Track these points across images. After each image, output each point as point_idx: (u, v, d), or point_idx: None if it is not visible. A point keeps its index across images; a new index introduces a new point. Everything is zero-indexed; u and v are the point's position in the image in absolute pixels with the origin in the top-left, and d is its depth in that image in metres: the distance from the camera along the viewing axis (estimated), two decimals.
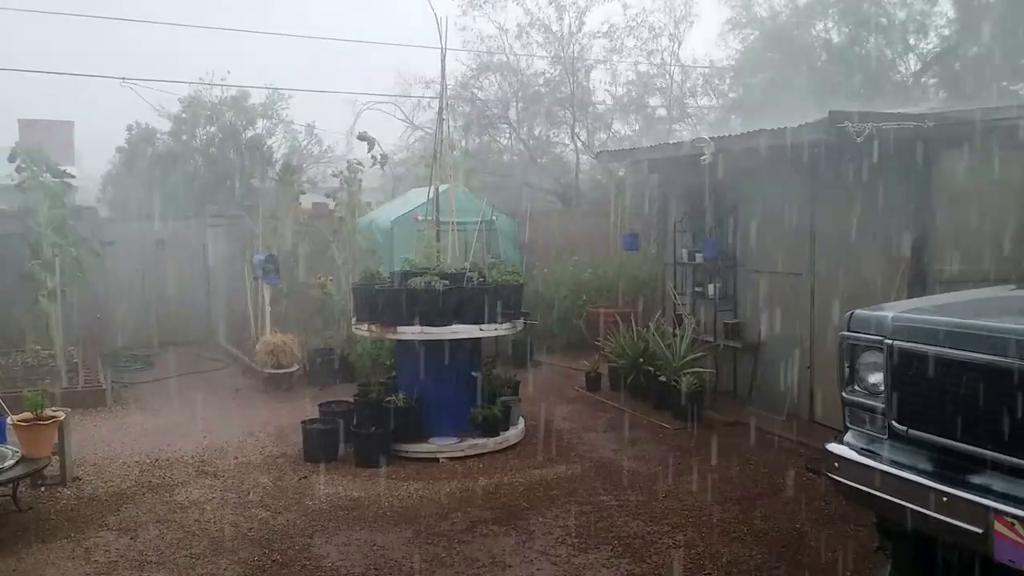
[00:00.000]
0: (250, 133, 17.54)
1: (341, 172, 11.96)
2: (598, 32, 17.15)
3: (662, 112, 17.62)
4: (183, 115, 17.17)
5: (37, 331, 10.50)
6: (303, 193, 12.76)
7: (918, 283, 6.39)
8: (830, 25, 16.40)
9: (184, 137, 17.17)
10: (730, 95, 17.74)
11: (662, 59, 17.19)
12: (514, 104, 17.40)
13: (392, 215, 11.20)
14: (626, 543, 5.03)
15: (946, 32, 15.59)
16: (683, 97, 17.55)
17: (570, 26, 17.08)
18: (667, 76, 17.23)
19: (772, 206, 8.00)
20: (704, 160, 7.90)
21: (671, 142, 9.97)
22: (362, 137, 10.04)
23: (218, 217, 13.61)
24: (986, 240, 6.32)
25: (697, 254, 8.95)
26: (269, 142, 18.08)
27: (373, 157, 12.22)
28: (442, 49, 7.74)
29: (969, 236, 6.34)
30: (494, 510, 5.64)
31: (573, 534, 5.19)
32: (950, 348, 3.39)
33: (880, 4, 15.66)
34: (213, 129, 17.16)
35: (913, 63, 16.23)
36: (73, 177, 10.43)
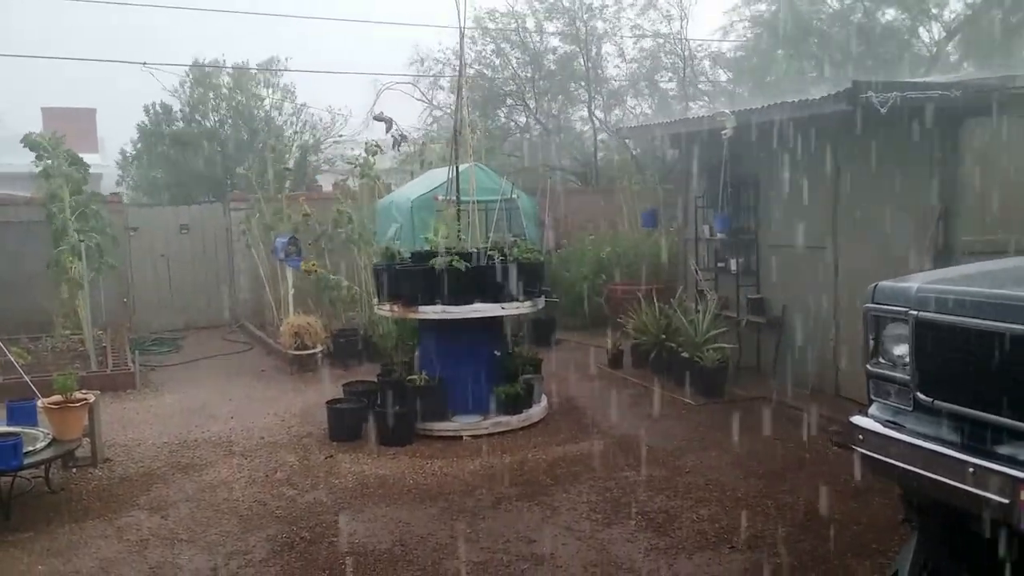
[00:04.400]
0: (260, 113, 17.61)
1: (357, 157, 12.00)
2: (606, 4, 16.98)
3: (677, 88, 17.40)
4: (192, 94, 17.26)
5: (65, 316, 10.68)
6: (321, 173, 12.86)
7: (943, 254, 6.31)
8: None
9: (198, 119, 17.27)
10: (747, 69, 17.49)
11: (671, 31, 16.96)
12: (530, 85, 17.28)
13: (412, 195, 11.21)
14: (650, 518, 5.05)
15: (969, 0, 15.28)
16: (697, 72, 17.33)
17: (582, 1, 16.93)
18: (679, 51, 16.99)
19: (794, 179, 7.92)
20: (725, 134, 7.84)
21: (692, 116, 9.88)
22: (379, 118, 10.04)
23: (240, 200, 13.71)
24: (1013, 210, 6.22)
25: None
26: (280, 121, 18.10)
27: (393, 138, 12.26)
28: (460, 28, 7.71)
29: (996, 206, 6.24)
30: (518, 486, 5.68)
31: (597, 509, 5.22)
32: (976, 318, 3.35)
33: None
34: (224, 107, 17.26)
35: (936, 32, 15.93)
36: (88, 166, 10.53)
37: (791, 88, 15.42)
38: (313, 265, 10.84)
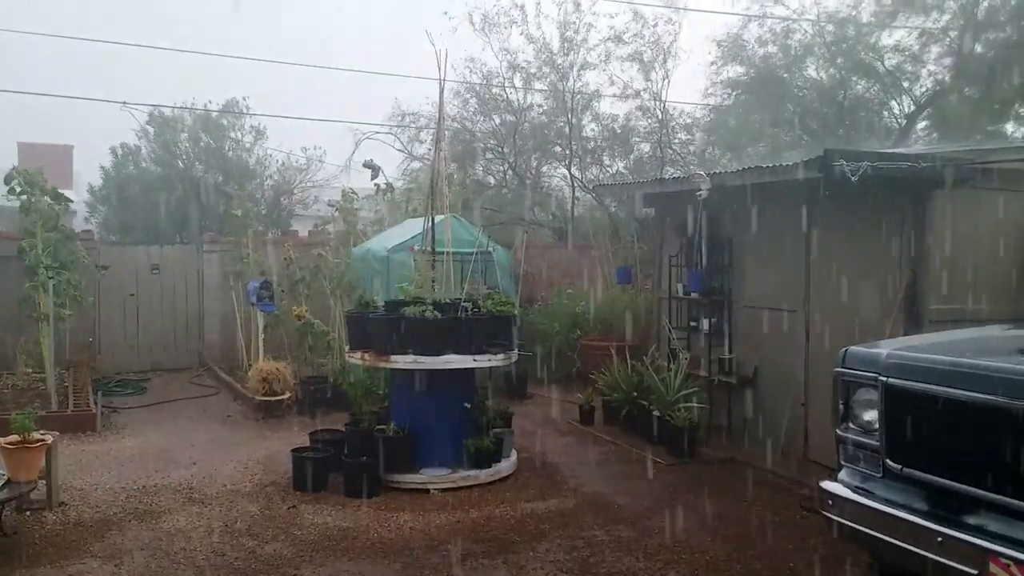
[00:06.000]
0: (231, 155, 17.68)
1: (337, 202, 12.04)
2: (591, 64, 17.24)
3: (652, 150, 17.66)
4: (154, 134, 17.32)
5: (29, 354, 10.46)
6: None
7: (912, 321, 6.40)
8: (820, 68, 16.57)
9: (167, 158, 17.29)
10: (720, 134, 17.84)
11: (652, 94, 17.24)
12: (510, 140, 17.47)
13: (388, 244, 11.20)
14: None
15: (938, 76, 15.80)
16: (672, 135, 17.60)
17: (571, 61, 17.19)
18: (657, 113, 17.27)
19: (767, 242, 8.03)
20: (700, 195, 7.96)
21: (667, 177, 10.03)
22: (368, 165, 10.10)
23: (213, 243, 13.63)
24: (980, 279, 6.35)
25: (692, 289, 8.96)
26: (252, 163, 18.16)
27: (377, 186, 12.32)
28: (440, 80, 7.80)
29: (963, 275, 6.37)
30: (485, 543, 5.58)
31: (564, 569, 5.13)
32: (944, 386, 3.39)
33: (873, 49, 15.87)
34: (196, 151, 17.31)
35: (906, 105, 16.41)
36: (71, 202, 10.46)
37: (765, 152, 15.77)
38: (304, 311, 10.74)
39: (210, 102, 17.60)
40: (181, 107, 17.18)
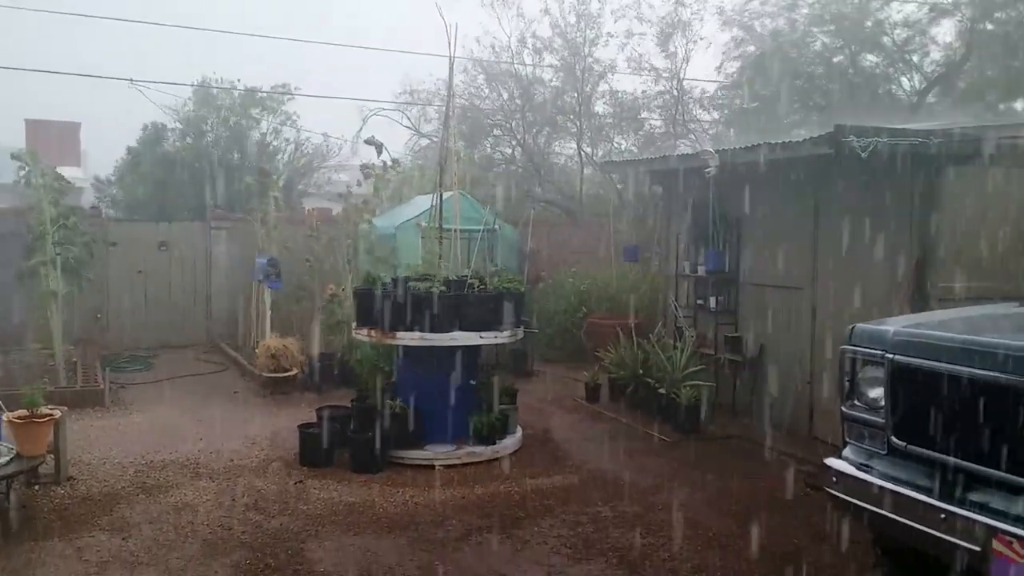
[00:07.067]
0: (256, 135, 17.67)
1: (361, 173, 12.06)
2: (608, 36, 17.05)
3: (664, 126, 17.52)
4: (191, 113, 17.27)
5: (37, 330, 10.50)
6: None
7: (920, 299, 6.36)
8: (829, 43, 16.37)
9: (189, 139, 17.23)
10: (729, 110, 17.68)
11: (668, 71, 17.10)
12: (519, 115, 17.35)
13: (396, 221, 11.19)
14: (621, 555, 5.00)
15: (949, 51, 15.59)
16: (684, 112, 17.44)
17: (584, 35, 17.04)
18: (671, 92, 17.12)
19: (775, 220, 7.99)
20: (708, 172, 7.90)
21: (676, 154, 9.95)
22: (370, 141, 10.08)
23: (222, 220, 13.64)
24: (989, 257, 6.30)
25: (699, 266, 8.93)
26: (274, 143, 18.19)
27: (383, 162, 12.30)
28: (450, 57, 7.73)
29: (972, 253, 6.32)
30: (489, 518, 5.61)
31: (568, 544, 5.16)
32: (951, 364, 3.37)
33: (881, 24, 15.66)
34: (221, 130, 17.28)
35: (917, 81, 16.21)
36: (70, 183, 10.45)
37: (774, 128, 15.64)
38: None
39: (237, 80, 17.64)
40: (200, 85, 17.14)
